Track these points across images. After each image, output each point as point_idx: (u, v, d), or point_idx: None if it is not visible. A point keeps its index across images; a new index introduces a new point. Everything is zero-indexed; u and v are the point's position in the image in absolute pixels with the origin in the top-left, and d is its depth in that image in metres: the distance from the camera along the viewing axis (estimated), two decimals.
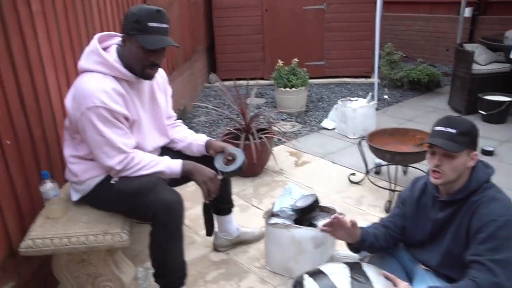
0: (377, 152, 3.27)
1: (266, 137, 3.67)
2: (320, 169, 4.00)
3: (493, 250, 1.77)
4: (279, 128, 4.31)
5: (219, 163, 2.30)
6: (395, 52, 6.82)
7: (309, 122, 5.31)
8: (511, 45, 5.18)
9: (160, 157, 2.14)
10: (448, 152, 1.84)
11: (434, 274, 2.05)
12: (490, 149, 4.26)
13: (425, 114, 5.51)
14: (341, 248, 2.72)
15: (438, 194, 1.99)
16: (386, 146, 3.41)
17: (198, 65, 6.25)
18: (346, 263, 1.85)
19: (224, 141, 3.70)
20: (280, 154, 4.33)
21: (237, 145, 3.51)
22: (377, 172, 3.83)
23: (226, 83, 4.25)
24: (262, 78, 6.92)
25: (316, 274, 1.72)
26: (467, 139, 1.86)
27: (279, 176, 3.83)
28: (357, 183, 3.68)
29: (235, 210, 3.23)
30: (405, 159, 3.24)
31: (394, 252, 2.26)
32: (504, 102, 5.03)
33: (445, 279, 2.03)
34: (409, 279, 2.13)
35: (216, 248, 2.80)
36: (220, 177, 2.23)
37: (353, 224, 2.01)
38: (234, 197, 3.41)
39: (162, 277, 2.05)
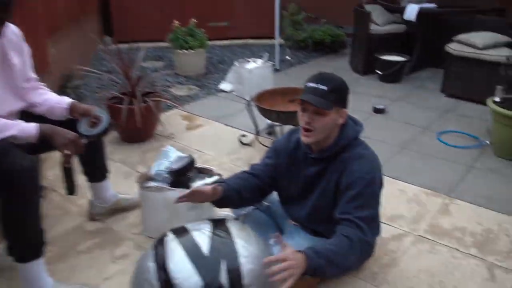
0: (263, 112, 3.37)
1: (152, 100, 3.65)
2: (213, 132, 4.06)
3: (360, 208, 1.92)
4: (172, 92, 4.30)
5: (83, 126, 2.27)
6: (305, 13, 6.93)
7: (208, 85, 5.33)
8: (406, 6, 5.46)
9: (13, 121, 2.07)
10: (319, 109, 1.93)
11: (302, 229, 2.19)
12: (381, 107, 4.53)
13: None
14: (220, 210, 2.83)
15: (309, 151, 2.11)
16: (275, 106, 3.51)
17: (89, 26, 6.00)
18: (211, 219, 1.92)
19: (108, 106, 3.63)
20: (172, 119, 4.33)
21: (120, 109, 3.47)
22: (270, 133, 3.95)
23: (124, 46, 4.15)
24: (161, 40, 6.80)
25: (179, 231, 1.77)
26: (338, 96, 1.96)
27: (169, 141, 3.84)
28: (248, 144, 3.78)
29: (118, 177, 3.24)
30: (291, 118, 3.36)
31: (267, 210, 2.39)
32: (399, 62, 5.34)
33: (312, 233, 2.18)
34: (281, 234, 2.27)
35: (92, 217, 2.78)
36: (85, 141, 2.21)
37: (215, 191, 2.02)
38: (118, 164, 3.41)
39: (15, 248, 2.01)
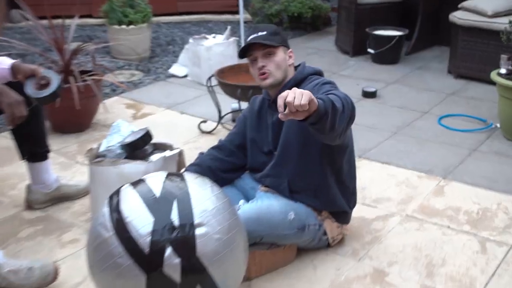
0: (226, 88, 4.11)
1: (92, 79, 4.33)
2: (166, 120, 4.78)
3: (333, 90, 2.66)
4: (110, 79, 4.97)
5: (30, 88, 2.89)
6: None
7: (154, 69, 6.06)
8: None
9: None
10: (268, 50, 2.78)
11: (272, 193, 2.93)
12: (372, 90, 5.33)
13: (305, 57, 6.47)
14: None
15: (269, 97, 2.92)
16: (242, 82, 4.25)
17: None
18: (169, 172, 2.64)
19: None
20: (114, 107, 5.02)
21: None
22: (235, 120, 4.68)
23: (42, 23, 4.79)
24: (90, 16, 7.47)
25: (137, 182, 2.47)
26: (279, 37, 2.85)
27: None
28: (209, 132, 4.51)
29: (55, 168, 3.90)
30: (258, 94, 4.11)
31: (236, 183, 3.14)
32: (394, 37, 6.16)
33: (288, 192, 2.91)
34: None
35: (30, 205, 3.42)
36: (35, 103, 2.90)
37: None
38: (53, 154, 4.06)
39: None
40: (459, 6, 5.73)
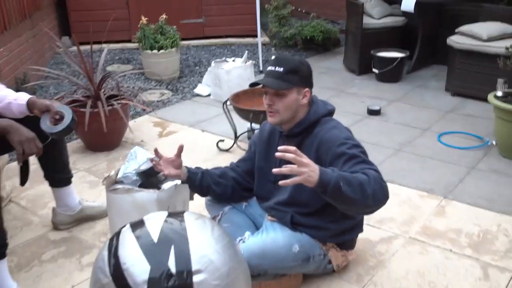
0: (240, 112, 3.70)
1: (119, 103, 3.96)
2: (188, 138, 4.37)
3: (361, 163, 2.20)
4: (142, 98, 4.63)
5: (45, 123, 2.57)
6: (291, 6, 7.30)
7: (182, 89, 5.66)
8: None
9: None
10: (277, 91, 2.30)
11: (279, 224, 2.50)
12: (377, 108, 4.88)
13: (316, 76, 5.97)
14: (196, 209, 3.12)
15: (282, 129, 2.46)
16: (255, 106, 3.84)
17: (43, 24, 6.33)
18: (169, 212, 2.20)
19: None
20: (143, 125, 4.64)
21: (83, 113, 3.77)
22: (250, 138, 4.26)
23: (84, 47, 4.43)
24: (129, 41, 7.14)
25: (136, 222, 2.05)
26: (296, 76, 2.33)
27: None
28: (226, 150, 4.10)
29: (83, 187, 3.53)
30: None
31: (245, 209, 2.72)
32: (397, 58, 5.71)
33: (291, 226, 2.47)
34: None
35: (56, 227, 3.06)
36: (53, 136, 2.55)
37: (178, 163, 2.54)
38: (83, 173, 3.72)
39: None
40: (456, 30, 5.25)
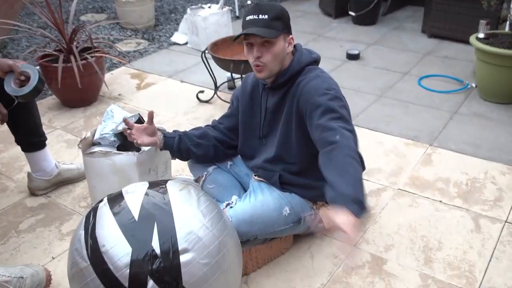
0: (220, 62, 3.39)
1: (93, 57, 3.62)
2: (166, 90, 4.07)
3: (337, 119, 1.93)
4: (117, 48, 4.29)
5: (9, 85, 2.25)
6: None
7: (158, 38, 5.29)
8: None
9: None
10: (266, 40, 2.00)
11: (266, 184, 2.25)
12: (356, 52, 4.59)
13: (293, 20, 5.66)
14: (180, 173, 2.88)
15: (266, 82, 2.18)
16: (234, 56, 3.54)
17: None
18: (152, 181, 1.92)
19: (41, 65, 3.58)
20: (120, 78, 4.31)
21: (55, 68, 3.43)
22: (231, 88, 3.98)
23: None
24: None
25: (115, 197, 1.78)
26: (281, 23, 2.02)
27: (117, 102, 3.83)
28: (206, 101, 3.81)
29: (61, 146, 3.24)
30: (250, 67, 3.40)
31: (230, 168, 2.46)
32: (373, 1, 5.37)
33: (279, 184, 2.23)
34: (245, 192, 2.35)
35: (33, 192, 2.78)
36: (21, 100, 2.26)
37: (151, 130, 2.21)
38: (60, 132, 3.42)
39: None
40: None
